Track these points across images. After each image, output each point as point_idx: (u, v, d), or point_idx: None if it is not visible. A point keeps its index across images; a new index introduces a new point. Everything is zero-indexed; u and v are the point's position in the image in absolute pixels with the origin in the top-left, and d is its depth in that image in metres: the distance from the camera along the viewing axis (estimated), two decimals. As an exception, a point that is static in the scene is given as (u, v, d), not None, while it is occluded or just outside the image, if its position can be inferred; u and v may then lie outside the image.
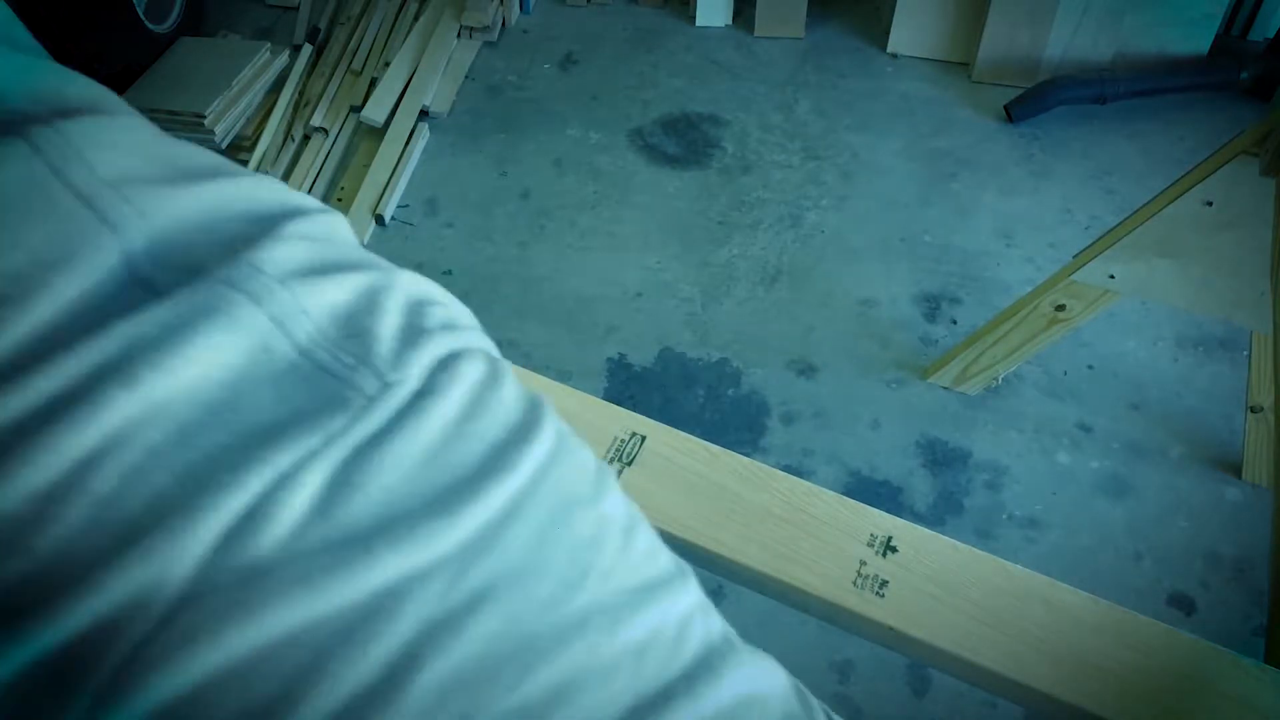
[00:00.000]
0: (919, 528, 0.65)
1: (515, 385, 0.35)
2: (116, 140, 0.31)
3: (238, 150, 2.40)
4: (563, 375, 1.94)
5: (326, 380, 0.30)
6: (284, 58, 2.58)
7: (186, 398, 0.28)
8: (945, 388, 1.92)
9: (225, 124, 2.36)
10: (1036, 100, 2.45)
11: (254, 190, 0.34)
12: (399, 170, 2.33)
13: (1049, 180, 2.35)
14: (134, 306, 0.28)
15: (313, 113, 2.45)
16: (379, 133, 2.43)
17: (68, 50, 2.05)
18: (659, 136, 2.47)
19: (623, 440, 0.70)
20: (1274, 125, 1.26)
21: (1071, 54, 2.52)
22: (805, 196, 2.32)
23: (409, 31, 2.64)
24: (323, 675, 0.26)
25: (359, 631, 0.27)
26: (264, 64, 2.51)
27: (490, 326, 0.37)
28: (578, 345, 2.01)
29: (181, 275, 0.30)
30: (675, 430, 0.71)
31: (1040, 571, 0.62)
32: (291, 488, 0.28)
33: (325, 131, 2.42)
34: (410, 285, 0.35)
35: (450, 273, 2.14)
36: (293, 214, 0.33)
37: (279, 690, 0.26)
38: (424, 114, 2.50)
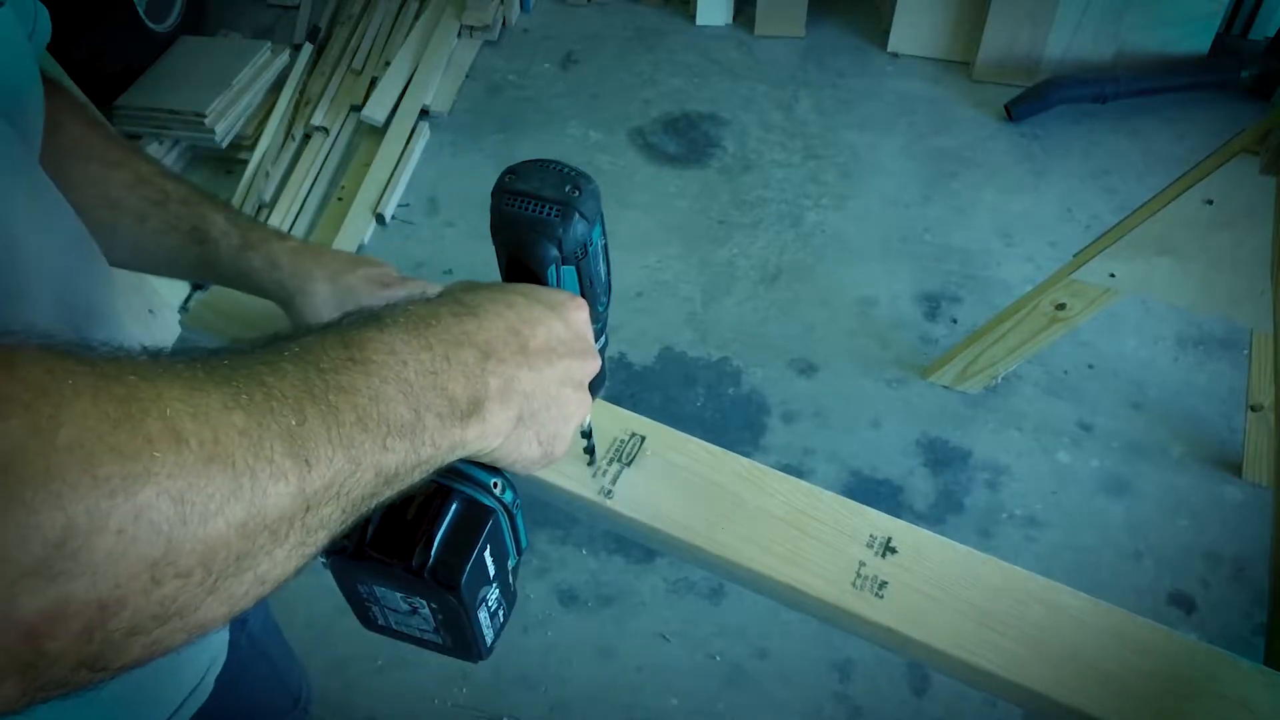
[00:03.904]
0: (918, 529, 0.64)
1: None
2: None
3: (238, 149, 2.40)
4: (563, 374, 1.94)
5: None
6: (284, 57, 2.58)
7: None
8: (945, 387, 1.92)
9: (226, 123, 2.35)
10: (1037, 99, 2.45)
11: None
12: (399, 169, 2.33)
13: (1049, 179, 2.35)
14: None
15: (313, 112, 2.45)
16: (379, 132, 2.42)
17: (68, 50, 2.05)
18: (659, 135, 2.47)
19: (622, 440, 0.70)
20: (1274, 124, 1.26)
21: (1072, 53, 2.52)
22: (805, 195, 2.31)
23: (409, 31, 2.64)
24: None
25: None
26: (264, 63, 2.50)
27: (489, 329, 0.37)
28: (578, 344, 2.00)
29: None
30: (675, 430, 0.70)
31: (1040, 571, 0.62)
32: None
33: (326, 130, 2.42)
34: None
35: (451, 271, 2.14)
36: None
37: None
38: (424, 113, 2.50)
